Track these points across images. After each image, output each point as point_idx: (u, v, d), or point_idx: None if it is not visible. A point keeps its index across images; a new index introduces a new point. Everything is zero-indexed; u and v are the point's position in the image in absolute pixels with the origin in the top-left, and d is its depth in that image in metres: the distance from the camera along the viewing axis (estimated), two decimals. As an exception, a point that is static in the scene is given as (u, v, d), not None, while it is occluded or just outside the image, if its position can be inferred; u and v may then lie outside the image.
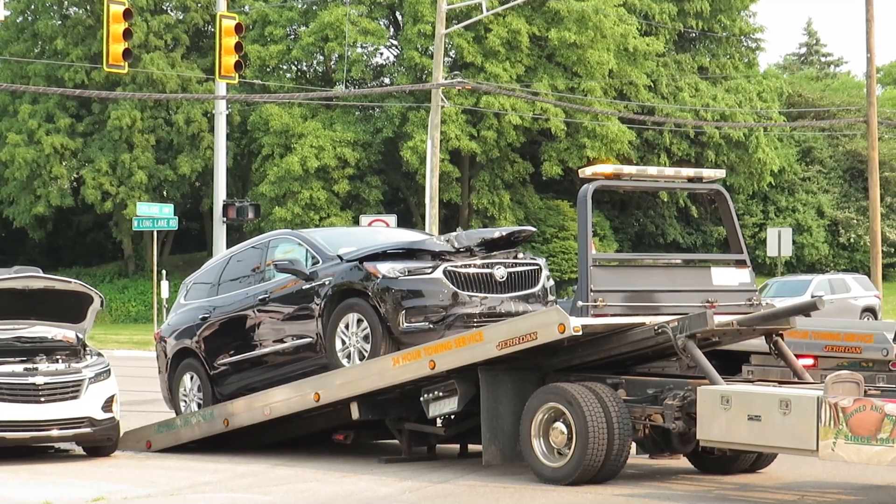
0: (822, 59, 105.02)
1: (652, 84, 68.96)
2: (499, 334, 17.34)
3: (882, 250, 51.99)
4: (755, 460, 18.31)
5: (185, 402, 21.52)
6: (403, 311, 18.40)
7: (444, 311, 18.49)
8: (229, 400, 20.67)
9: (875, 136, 50.36)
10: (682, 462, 18.63)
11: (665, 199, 70.00)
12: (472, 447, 19.68)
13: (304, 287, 19.53)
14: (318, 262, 19.58)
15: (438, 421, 18.92)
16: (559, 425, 17.09)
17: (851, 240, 74.36)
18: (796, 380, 17.21)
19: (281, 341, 20.07)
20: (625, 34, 65.98)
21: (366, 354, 18.69)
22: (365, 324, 18.72)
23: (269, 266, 20.45)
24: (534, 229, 22.17)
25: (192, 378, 21.44)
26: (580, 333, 16.69)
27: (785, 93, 74.99)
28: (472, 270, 18.75)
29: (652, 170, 18.98)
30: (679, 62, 71.29)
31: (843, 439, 15.01)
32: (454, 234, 19.72)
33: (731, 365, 18.26)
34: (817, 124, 73.72)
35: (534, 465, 17.34)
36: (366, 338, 18.70)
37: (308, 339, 19.58)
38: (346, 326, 18.94)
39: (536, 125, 65.48)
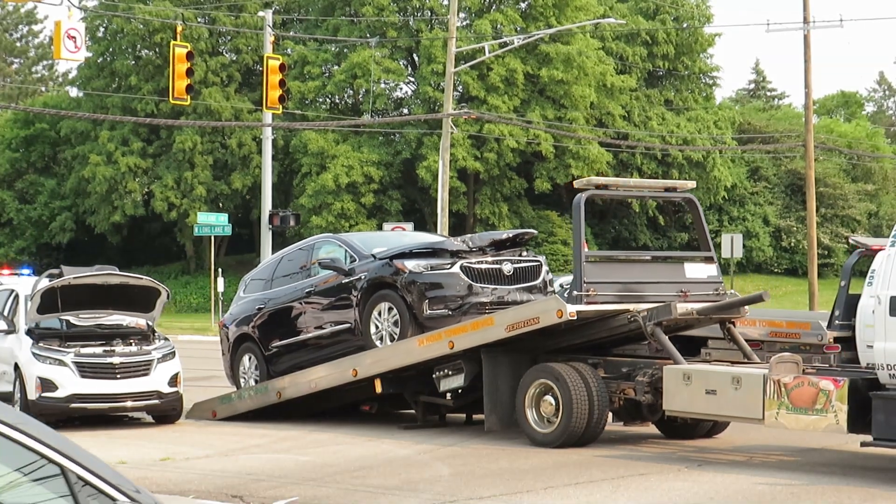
0: (768, 94, 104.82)
1: (626, 114, 68.87)
2: (507, 319, 17.30)
3: (817, 253, 51.86)
4: (712, 427, 18.28)
5: (245, 378, 21.46)
6: (427, 301, 18.35)
7: (460, 300, 18.45)
8: (281, 376, 20.62)
9: (812, 158, 50.34)
10: (651, 429, 18.61)
11: (637, 210, 69.87)
12: (475, 416, 19.68)
13: (343, 281, 19.45)
14: (355, 261, 19.48)
15: (448, 394, 18.91)
16: (548, 398, 17.08)
17: (792, 244, 74.13)
18: (745, 360, 17.18)
19: (324, 327, 19.98)
20: (603, 73, 65.91)
21: (395, 337, 18.63)
22: (395, 311, 18.64)
23: (315, 264, 20.38)
24: (535, 232, 22.13)
25: (250, 358, 21.37)
26: (575, 318, 16.68)
27: (736, 121, 74.82)
28: (483, 266, 18.68)
29: (635, 181, 18.97)
30: (649, 96, 71.15)
31: (785, 410, 15.00)
32: (469, 235, 19.73)
33: (691, 347, 18.24)
34: (763, 148, 73.54)
35: (527, 431, 17.33)
36: (395, 323, 18.64)
37: (347, 325, 19.49)
38: (379, 314, 18.85)
39: (530, 148, 65.41)
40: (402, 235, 23.75)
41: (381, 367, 18.81)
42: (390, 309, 18.72)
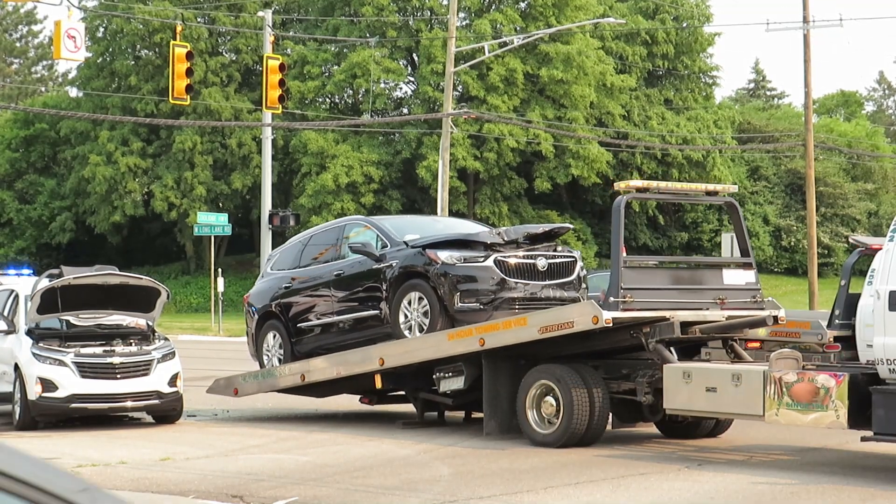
0: (768, 93, 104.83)
1: (626, 113, 68.88)
2: (541, 320, 16.92)
3: (817, 252, 51.87)
4: (715, 426, 18.24)
5: (268, 356, 21.25)
6: (458, 293, 17.93)
7: (493, 295, 18.01)
8: (305, 357, 20.38)
9: (811, 157, 50.39)
10: (652, 429, 18.58)
11: (637, 209, 69.83)
12: (474, 415, 19.67)
13: (373, 267, 19.10)
14: (386, 247, 19.11)
15: (447, 392, 18.85)
16: (549, 399, 17.05)
17: (792, 243, 74.13)
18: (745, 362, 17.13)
19: (352, 311, 19.64)
20: (603, 72, 65.92)
21: (424, 328, 18.25)
22: (425, 301, 18.24)
23: (345, 241, 20.19)
24: (571, 226, 21.70)
25: (274, 336, 21.16)
26: (611, 325, 16.33)
27: (736, 121, 74.82)
28: (517, 260, 18.22)
29: (676, 184, 18.72)
30: (648, 95, 71.15)
31: (786, 406, 15.00)
32: (503, 228, 19.42)
33: (691, 348, 18.20)
34: (763, 147, 73.54)
35: (528, 432, 17.30)
36: (425, 314, 18.23)
37: (375, 312, 19.13)
38: (409, 303, 18.46)
39: (530, 148, 65.41)
40: (436, 222, 22.86)
41: (410, 359, 18.42)
42: (420, 299, 18.29)
